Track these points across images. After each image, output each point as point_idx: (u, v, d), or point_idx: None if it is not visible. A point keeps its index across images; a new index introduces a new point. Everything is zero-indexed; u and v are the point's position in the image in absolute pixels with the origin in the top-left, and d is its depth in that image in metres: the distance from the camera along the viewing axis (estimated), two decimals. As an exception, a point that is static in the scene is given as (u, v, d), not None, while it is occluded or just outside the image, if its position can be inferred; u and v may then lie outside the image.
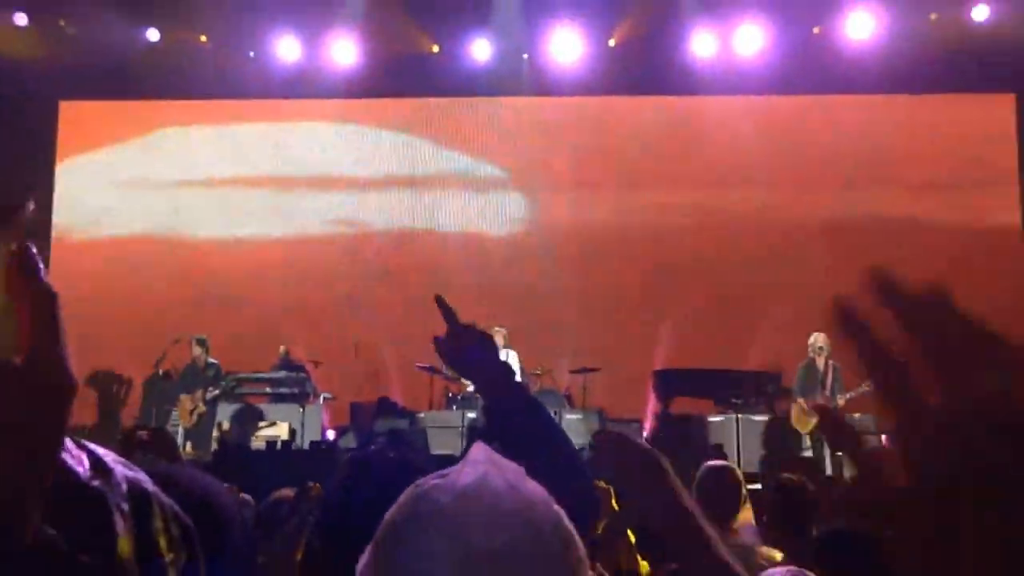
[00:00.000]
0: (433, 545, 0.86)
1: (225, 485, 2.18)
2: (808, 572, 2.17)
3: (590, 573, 0.95)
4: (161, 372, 9.96)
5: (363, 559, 0.94)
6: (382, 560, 0.91)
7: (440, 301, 1.81)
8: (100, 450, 0.65)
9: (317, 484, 3.11)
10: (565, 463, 1.63)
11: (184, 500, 0.81)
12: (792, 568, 2.26)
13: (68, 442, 0.63)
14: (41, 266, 0.54)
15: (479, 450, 0.95)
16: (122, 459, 0.67)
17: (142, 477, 0.67)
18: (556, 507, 0.93)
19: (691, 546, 1.30)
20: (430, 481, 0.93)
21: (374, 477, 1.49)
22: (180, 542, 0.68)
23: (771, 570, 2.27)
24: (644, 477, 1.33)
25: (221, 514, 1.14)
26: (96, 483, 0.61)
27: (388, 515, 0.94)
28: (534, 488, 0.93)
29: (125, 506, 0.62)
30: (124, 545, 0.61)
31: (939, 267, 10.71)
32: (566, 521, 0.92)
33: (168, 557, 0.65)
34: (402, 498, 0.94)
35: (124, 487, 0.63)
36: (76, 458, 0.62)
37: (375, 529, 0.95)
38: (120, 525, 0.61)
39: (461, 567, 0.85)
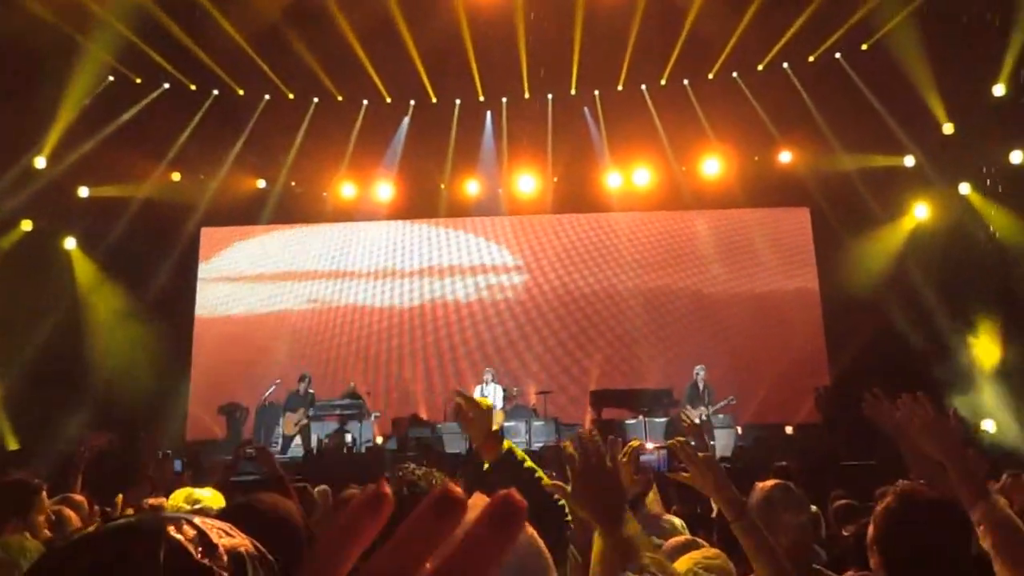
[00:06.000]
0: None
1: (303, 485, 3.78)
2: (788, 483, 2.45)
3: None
4: (268, 403, 11.45)
5: None
6: None
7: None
8: (206, 526, 0.73)
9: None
10: (553, 511, 2.04)
11: (264, 521, 1.03)
12: (779, 482, 2.59)
13: (186, 525, 0.71)
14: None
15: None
16: (224, 527, 0.74)
17: (237, 541, 0.73)
18: (537, 538, 1.11)
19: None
20: None
21: None
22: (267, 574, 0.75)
23: (761, 484, 2.55)
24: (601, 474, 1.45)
25: (290, 530, 1.34)
26: (205, 560, 0.69)
27: None
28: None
29: (225, 574, 0.69)
30: None
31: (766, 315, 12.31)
32: (542, 544, 1.13)
33: None
34: None
35: (225, 557, 0.71)
36: (191, 540, 0.69)
37: None
38: None
39: None
